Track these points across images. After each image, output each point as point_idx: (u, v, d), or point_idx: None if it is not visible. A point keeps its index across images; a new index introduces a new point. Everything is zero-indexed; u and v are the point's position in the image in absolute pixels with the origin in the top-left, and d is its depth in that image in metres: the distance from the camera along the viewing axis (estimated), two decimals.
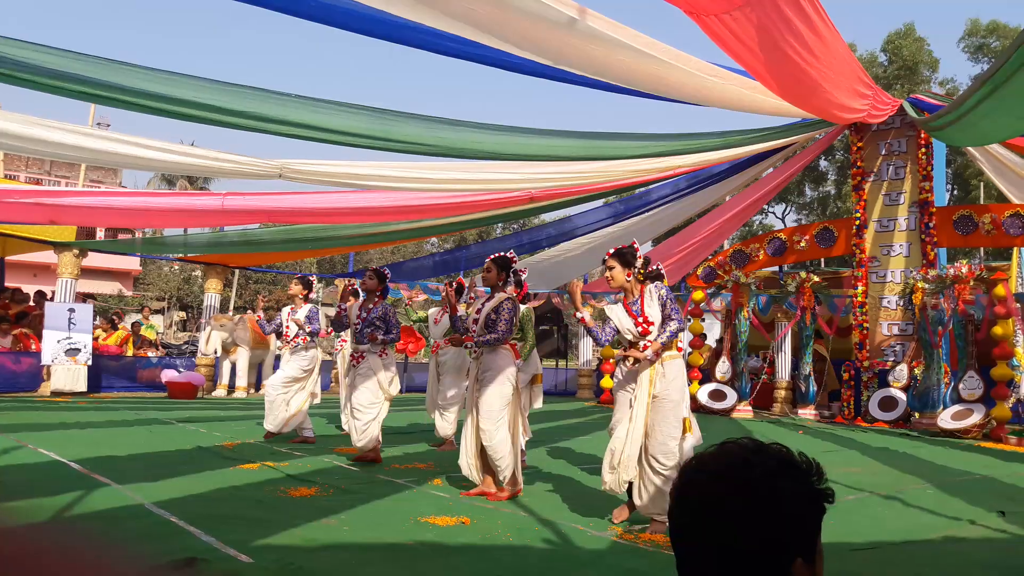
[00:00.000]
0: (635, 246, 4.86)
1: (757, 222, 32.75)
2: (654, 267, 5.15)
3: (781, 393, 13.03)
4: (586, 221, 13.94)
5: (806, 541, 1.09)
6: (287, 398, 7.64)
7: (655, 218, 14.19)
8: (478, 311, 5.54)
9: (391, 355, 6.92)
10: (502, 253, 5.84)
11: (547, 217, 22.60)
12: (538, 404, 7.37)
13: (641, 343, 4.62)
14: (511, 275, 5.74)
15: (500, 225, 33.04)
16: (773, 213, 34.13)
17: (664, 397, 4.55)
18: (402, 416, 10.12)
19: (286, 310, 7.89)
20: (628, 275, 4.77)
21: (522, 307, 6.74)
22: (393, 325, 6.81)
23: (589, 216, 13.92)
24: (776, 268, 14.96)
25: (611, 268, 4.79)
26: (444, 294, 8.12)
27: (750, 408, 12.71)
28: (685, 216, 15.18)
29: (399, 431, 8.67)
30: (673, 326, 4.63)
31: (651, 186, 12.95)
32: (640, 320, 4.65)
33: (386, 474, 6.03)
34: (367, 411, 6.55)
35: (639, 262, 4.81)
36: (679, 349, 4.80)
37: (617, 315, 4.74)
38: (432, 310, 8.46)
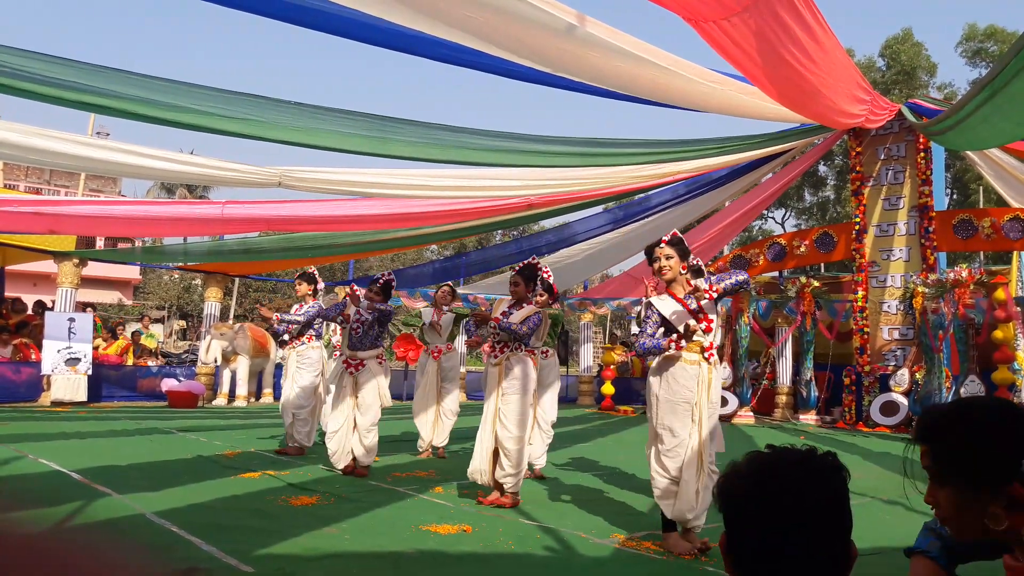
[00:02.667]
0: (679, 236, 4.50)
1: (757, 227, 32.76)
2: (695, 261, 4.75)
3: (782, 399, 13.03)
4: (585, 227, 13.93)
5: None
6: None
7: (654, 224, 14.16)
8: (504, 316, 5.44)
9: (387, 363, 6.71)
10: (527, 261, 5.71)
11: (546, 224, 22.59)
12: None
13: (703, 287, 4.27)
14: (539, 283, 5.63)
15: (499, 232, 33.04)
16: (773, 218, 34.17)
17: (716, 404, 4.34)
18: (401, 425, 10.10)
19: (294, 308, 7.69)
20: (684, 268, 4.41)
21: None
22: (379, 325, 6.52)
23: (588, 222, 13.91)
24: (776, 273, 14.98)
25: (668, 257, 4.38)
26: (435, 298, 8.10)
27: (751, 414, 12.69)
28: (684, 222, 15.18)
29: (398, 439, 8.65)
30: (741, 277, 4.38)
31: (650, 192, 12.95)
32: (699, 314, 4.30)
33: (387, 483, 6.02)
34: (373, 431, 6.34)
35: (691, 257, 4.51)
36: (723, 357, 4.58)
37: (668, 306, 4.37)
38: (425, 309, 8.37)
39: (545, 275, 6.43)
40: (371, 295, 6.55)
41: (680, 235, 4.50)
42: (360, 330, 6.51)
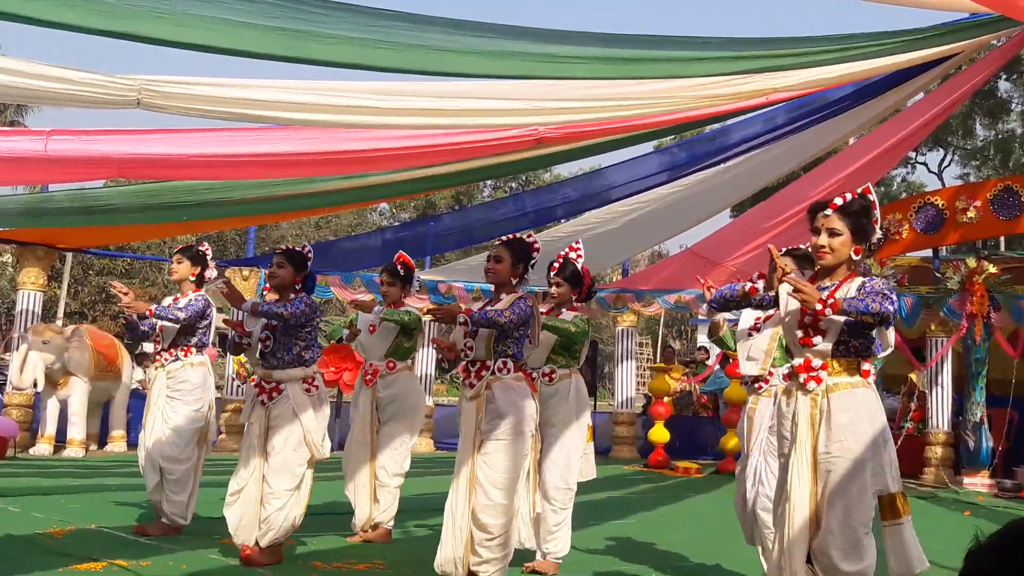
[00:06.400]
0: (872, 198, 4.46)
1: (898, 178, 32.85)
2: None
3: (936, 451, 13.08)
4: (626, 177, 13.91)
5: None
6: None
7: (734, 173, 14.18)
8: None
9: (322, 389, 6.76)
10: (517, 235, 5.95)
11: (563, 171, 22.58)
12: (590, 475, 7.10)
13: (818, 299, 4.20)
14: (530, 269, 5.88)
15: (490, 183, 33.09)
16: (924, 165, 34.28)
17: (836, 454, 4.23)
18: (330, 487, 10.13)
19: (167, 301, 7.76)
20: (857, 252, 4.46)
21: (570, 315, 6.71)
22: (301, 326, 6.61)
23: (630, 169, 13.89)
24: (928, 252, 15.00)
25: (834, 234, 4.38)
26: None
27: None
28: (783, 171, 15.19)
29: (321, 513, 8.65)
30: (875, 306, 4.11)
31: (728, 122, 12.96)
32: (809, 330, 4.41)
33: None
34: (285, 499, 6.36)
35: (875, 237, 4.47)
36: (865, 373, 4.48)
37: (783, 303, 4.50)
38: (375, 311, 8.28)
39: (572, 257, 6.49)
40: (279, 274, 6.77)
41: (868, 199, 4.46)
42: (269, 337, 6.59)
